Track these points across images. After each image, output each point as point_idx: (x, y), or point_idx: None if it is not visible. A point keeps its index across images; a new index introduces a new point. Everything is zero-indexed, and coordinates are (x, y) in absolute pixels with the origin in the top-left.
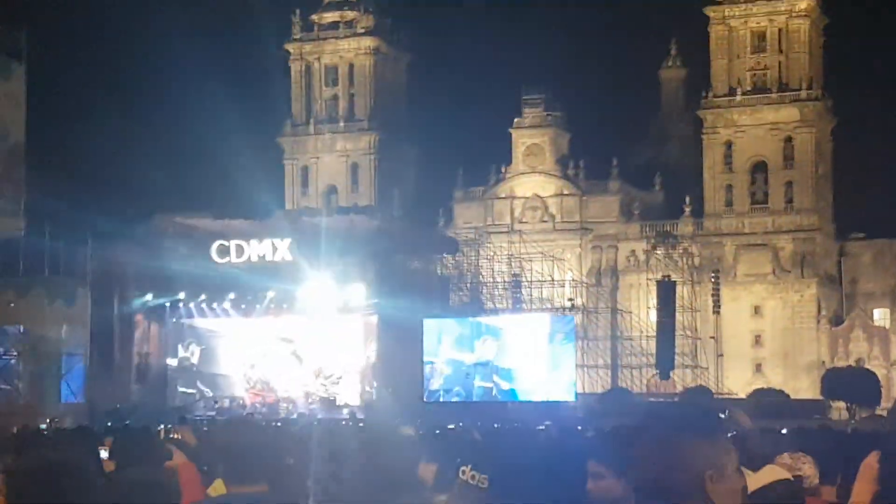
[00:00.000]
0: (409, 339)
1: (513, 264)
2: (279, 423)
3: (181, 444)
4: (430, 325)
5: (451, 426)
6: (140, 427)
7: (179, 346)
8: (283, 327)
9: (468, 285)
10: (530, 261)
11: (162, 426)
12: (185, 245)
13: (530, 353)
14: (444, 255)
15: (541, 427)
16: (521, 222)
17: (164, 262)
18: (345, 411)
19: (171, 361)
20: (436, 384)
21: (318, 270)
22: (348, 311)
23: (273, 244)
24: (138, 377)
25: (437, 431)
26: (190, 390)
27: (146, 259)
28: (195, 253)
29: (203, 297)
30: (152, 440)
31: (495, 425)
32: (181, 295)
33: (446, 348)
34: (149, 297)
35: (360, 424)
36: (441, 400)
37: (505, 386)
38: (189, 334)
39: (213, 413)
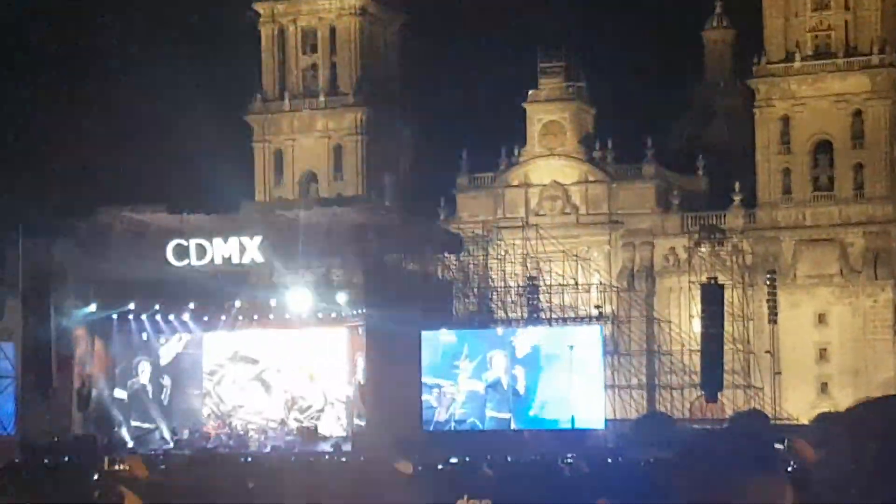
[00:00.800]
0: (404, 356)
1: (528, 265)
2: (249, 459)
3: (130, 482)
4: (430, 339)
5: (455, 460)
6: (76, 467)
7: (129, 367)
8: (253, 343)
9: (475, 291)
10: (549, 261)
11: (106, 458)
12: (136, 245)
13: (550, 373)
14: (446, 254)
15: (566, 460)
16: (537, 215)
17: (111, 266)
18: (327, 444)
19: (120, 393)
20: (442, 414)
21: (295, 274)
22: (331, 323)
23: (241, 243)
24: (80, 404)
25: (440, 466)
26: (146, 424)
27: (89, 262)
28: (147, 254)
29: (157, 307)
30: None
31: (508, 458)
32: (131, 305)
33: (449, 366)
34: (92, 307)
35: (345, 460)
36: (444, 430)
37: (519, 412)
38: (140, 352)
39: (170, 446)
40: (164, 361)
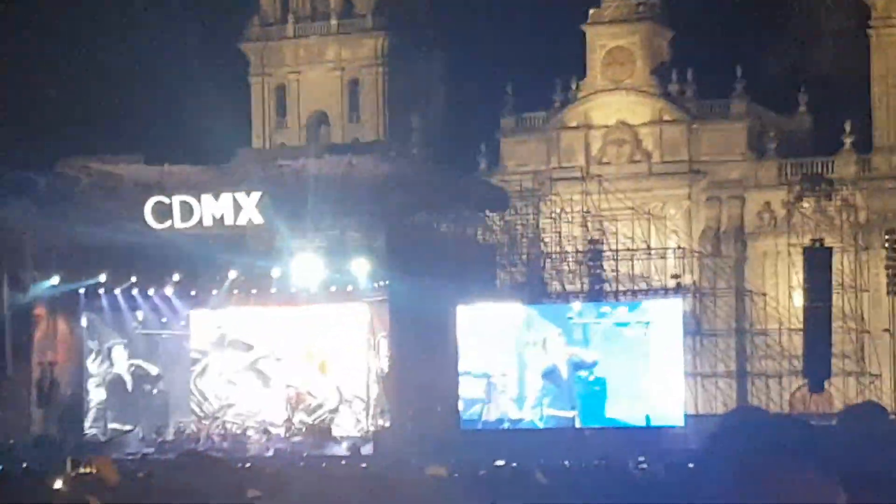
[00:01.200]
0: (437, 339)
1: (590, 226)
2: (248, 464)
3: (97, 488)
4: (468, 318)
5: (500, 463)
6: (35, 474)
7: (100, 353)
8: (246, 324)
9: (524, 257)
10: (615, 221)
11: (69, 459)
12: (107, 204)
13: (617, 358)
14: (488, 213)
15: (638, 465)
16: (600, 164)
17: (76, 230)
18: (343, 445)
19: (90, 386)
20: (492, 412)
21: (303, 239)
22: (347, 299)
23: (235, 200)
24: (41, 399)
25: (482, 472)
26: (123, 426)
27: (49, 225)
28: (121, 214)
29: (134, 279)
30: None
31: (566, 462)
32: (101, 277)
33: (492, 351)
34: (54, 280)
35: (365, 465)
36: (485, 429)
37: (580, 406)
38: (114, 334)
39: (150, 450)
40: (143, 346)
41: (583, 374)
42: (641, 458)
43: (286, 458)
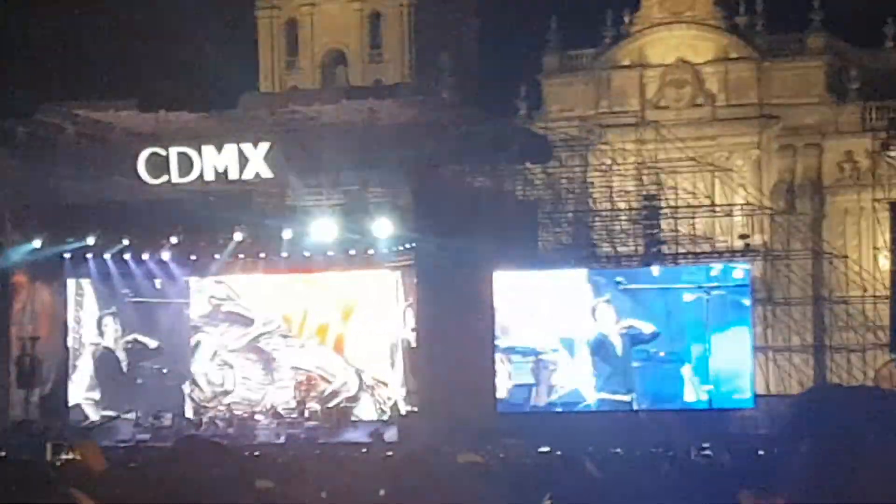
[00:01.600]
0: (470, 308)
1: (645, 179)
2: (256, 454)
3: (81, 478)
4: (506, 285)
5: (544, 450)
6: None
7: (89, 326)
8: (247, 293)
9: (569, 216)
10: (674, 173)
11: (49, 445)
12: (96, 156)
13: (676, 330)
14: (529, 165)
15: (701, 452)
16: (657, 108)
17: (61, 185)
18: (364, 432)
19: (77, 363)
20: (541, 396)
21: (318, 195)
22: (368, 264)
23: (241, 152)
24: (21, 379)
25: (526, 461)
26: (118, 411)
27: (30, 180)
28: (112, 168)
29: (126, 242)
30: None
31: (618, 450)
32: (89, 240)
33: (533, 323)
34: (36, 243)
35: (390, 453)
36: (525, 411)
37: (637, 385)
38: (104, 305)
39: (146, 437)
40: (137, 318)
41: (639, 348)
42: (705, 445)
43: (299, 445)
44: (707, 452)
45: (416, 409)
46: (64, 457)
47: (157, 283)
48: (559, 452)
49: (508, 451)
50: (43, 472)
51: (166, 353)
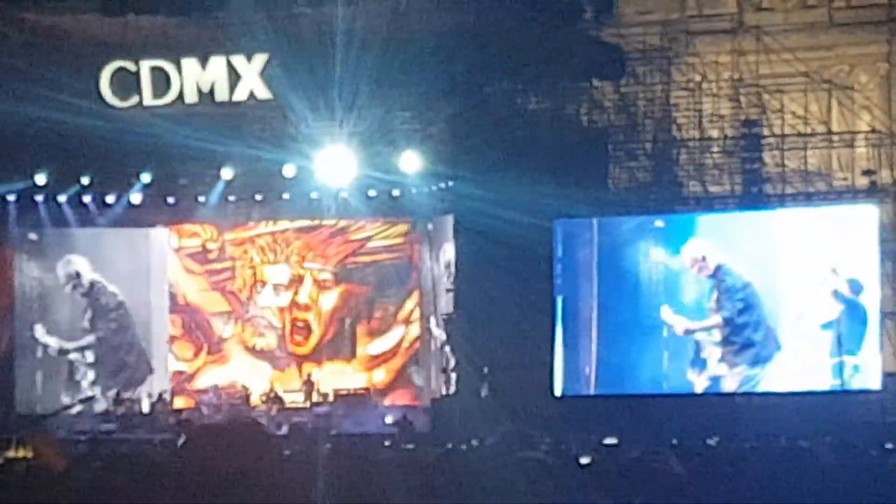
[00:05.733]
0: (522, 266)
1: (743, 101)
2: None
3: (36, 480)
4: (569, 235)
5: (612, 442)
6: None
7: (39, 285)
8: (256, 247)
9: (648, 146)
10: (780, 92)
11: None
12: (48, 71)
13: (786, 292)
14: (597, 81)
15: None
16: (759, 10)
17: (4, 109)
18: (388, 418)
19: (29, 333)
20: (609, 372)
21: (329, 120)
22: (393, 209)
23: (231, 66)
24: None
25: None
26: (74, 401)
27: None
28: (68, 87)
29: (85, 181)
30: None
31: (709, 441)
32: (40, 178)
33: (607, 283)
34: None
35: (411, 446)
36: (591, 394)
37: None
38: (59, 258)
39: (111, 426)
40: (101, 275)
41: (733, 313)
42: (824, 439)
43: (306, 437)
44: (803, 444)
45: (452, 390)
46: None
47: (127, 232)
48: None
49: (569, 445)
50: None
51: (139, 321)
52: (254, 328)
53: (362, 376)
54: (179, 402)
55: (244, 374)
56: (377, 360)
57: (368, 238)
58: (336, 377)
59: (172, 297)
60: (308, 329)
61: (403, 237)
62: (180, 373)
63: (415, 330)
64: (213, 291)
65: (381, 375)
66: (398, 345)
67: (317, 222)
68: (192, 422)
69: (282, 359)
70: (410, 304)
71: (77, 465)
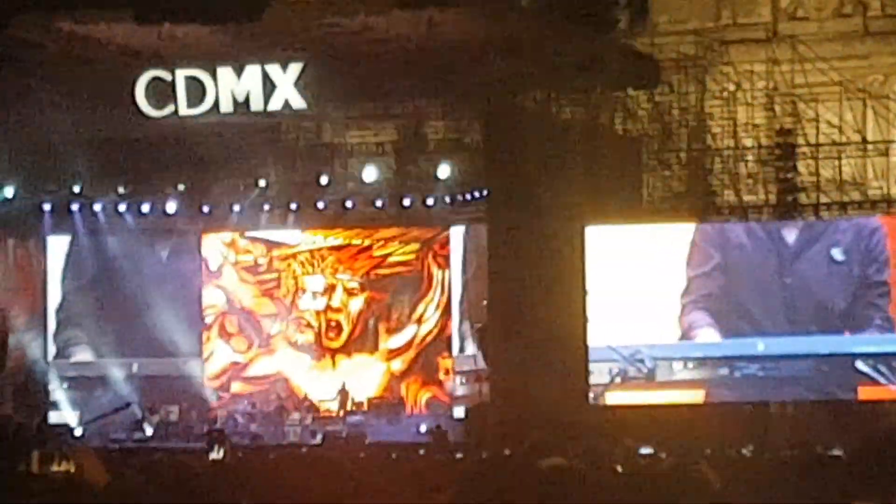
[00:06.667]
0: (556, 273)
1: (778, 110)
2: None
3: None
4: (602, 242)
5: (647, 451)
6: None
7: (76, 294)
8: (297, 261)
9: (682, 156)
10: (814, 101)
11: (36, 453)
12: (83, 80)
13: (817, 305)
14: (631, 91)
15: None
16: (793, 19)
17: (40, 118)
18: (421, 426)
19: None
20: (640, 379)
21: (364, 129)
22: (427, 217)
23: (266, 75)
24: None
25: (620, 467)
26: (111, 410)
27: (2, 110)
28: (103, 97)
29: (121, 189)
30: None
31: (744, 451)
32: (75, 187)
33: (641, 291)
34: (7, 191)
35: (459, 455)
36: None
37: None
38: (95, 268)
39: (146, 434)
40: (136, 284)
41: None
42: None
43: (340, 445)
44: (836, 453)
45: (486, 397)
46: (54, 468)
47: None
48: (666, 454)
49: (602, 454)
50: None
51: (170, 329)
52: (296, 326)
53: (383, 365)
54: (236, 387)
55: (287, 364)
56: (395, 353)
57: (388, 254)
58: (362, 371)
59: (230, 302)
60: (339, 327)
61: (416, 254)
62: (236, 363)
63: (426, 328)
64: (263, 297)
65: (398, 365)
66: (412, 340)
67: (347, 241)
68: (226, 432)
69: (318, 351)
70: (421, 307)
71: (118, 478)
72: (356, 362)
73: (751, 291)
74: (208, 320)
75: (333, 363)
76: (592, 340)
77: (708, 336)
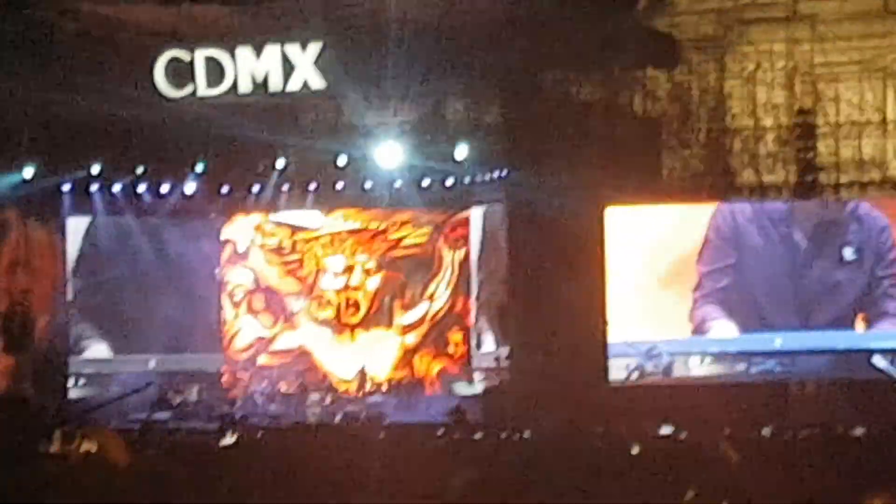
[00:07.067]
0: (575, 254)
1: (798, 89)
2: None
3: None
4: (622, 223)
5: (666, 432)
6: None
7: (95, 276)
8: (319, 244)
9: (701, 136)
10: (835, 82)
11: (58, 432)
12: (102, 60)
13: (845, 284)
14: (651, 70)
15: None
16: None
17: (58, 98)
18: (441, 406)
19: (81, 322)
20: (660, 361)
21: (383, 110)
22: (446, 198)
23: (285, 56)
24: (10, 341)
25: (635, 450)
26: (131, 390)
27: (20, 92)
28: (122, 77)
29: (141, 170)
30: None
31: (764, 432)
32: (95, 168)
33: (660, 272)
34: (27, 171)
35: (478, 435)
36: (646, 381)
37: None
38: (116, 248)
39: (164, 415)
40: (156, 265)
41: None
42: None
43: (359, 426)
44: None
45: (505, 378)
46: (76, 448)
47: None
48: (684, 434)
49: (622, 434)
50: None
51: (188, 310)
52: (318, 304)
53: (398, 339)
54: (262, 359)
55: (310, 338)
56: (409, 328)
57: (402, 237)
58: (379, 344)
59: (257, 281)
60: (357, 305)
61: (427, 237)
62: (262, 338)
63: (437, 305)
64: (288, 277)
65: (412, 338)
66: (424, 316)
67: (364, 226)
68: (246, 413)
69: (338, 326)
70: (433, 286)
71: (135, 457)
72: (373, 336)
73: (764, 289)
74: (237, 298)
75: (352, 337)
76: (610, 336)
77: (723, 328)
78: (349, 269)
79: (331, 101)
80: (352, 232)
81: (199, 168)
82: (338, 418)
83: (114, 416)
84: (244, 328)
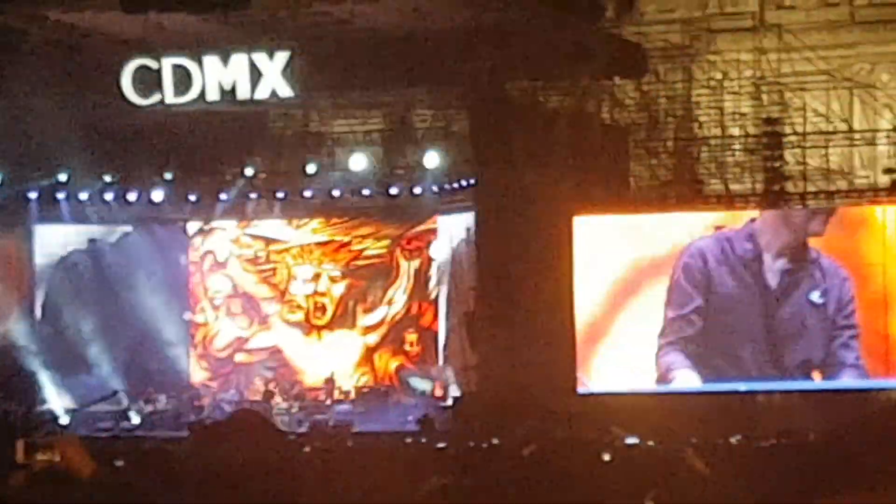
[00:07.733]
0: (543, 263)
1: (765, 98)
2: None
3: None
4: (589, 232)
5: (632, 441)
6: None
7: (61, 283)
8: (290, 254)
9: (670, 145)
10: (801, 91)
11: (22, 441)
12: (69, 68)
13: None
14: (618, 79)
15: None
16: (780, 8)
17: (26, 105)
18: (409, 416)
19: (46, 330)
20: (629, 370)
21: (351, 118)
22: (414, 206)
23: (253, 64)
24: None
25: (607, 457)
26: (98, 398)
27: None
28: (89, 85)
29: (108, 178)
30: None
31: (731, 440)
32: (62, 176)
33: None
34: None
35: (442, 445)
36: (612, 391)
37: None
38: (81, 256)
39: (133, 423)
40: (122, 273)
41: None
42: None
43: (326, 436)
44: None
45: (473, 387)
46: (40, 458)
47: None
48: (653, 443)
49: (589, 442)
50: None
51: (157, 319)
52: (289, 307)
53: (360, 339)
54: (240, 357)
55: (282, 338)
56: (370, 329)
57: (364, 249)
58: (343, 343)
59: (235, 287)
60: (324, 308)
61: (387, 248)
62: (240, 337)
63: (394, 308)
64: (262, 283)
65: (372, 338)
66: (383, 319)
67: (330, 238)
68: (213, 420)
69: (307, 327)
70: (391, 292)
71: (104, 467)
72: (338, 336)
73: (733, 333)
74: (217, 302)
75: (320, 337)
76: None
77: (686, 378)
78: (317, 277)
79: (299, 109)
80: (319, 244)
81: (168, 176)
82: (304, 426)
83: (81, 425)
84: (223, 330)
